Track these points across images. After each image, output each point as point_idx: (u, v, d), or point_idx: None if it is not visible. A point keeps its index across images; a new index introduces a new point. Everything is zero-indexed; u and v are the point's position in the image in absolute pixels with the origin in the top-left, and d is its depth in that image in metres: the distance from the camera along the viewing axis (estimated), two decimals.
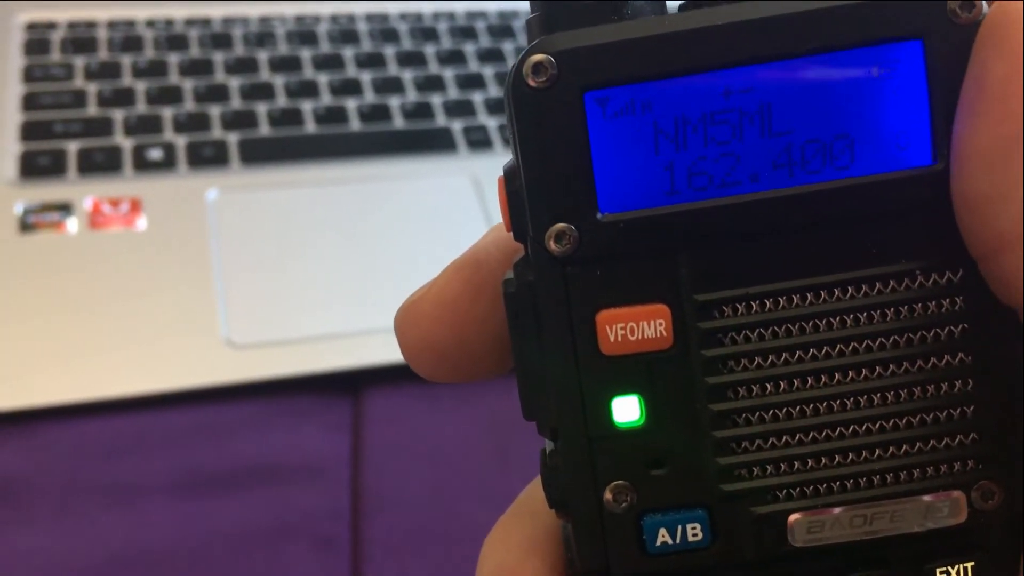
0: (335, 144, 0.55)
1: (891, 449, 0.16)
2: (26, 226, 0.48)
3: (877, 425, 0.16)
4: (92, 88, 0.55)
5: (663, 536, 0.16)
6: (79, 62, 0.57)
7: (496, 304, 0.17)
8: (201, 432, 0.43)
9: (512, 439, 0.44)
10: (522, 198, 0.16)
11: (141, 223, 0.49)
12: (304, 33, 0.62)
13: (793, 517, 0.16)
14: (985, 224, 0.15)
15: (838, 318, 0.16)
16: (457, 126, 0.57)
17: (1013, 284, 0.15)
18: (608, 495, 0.17)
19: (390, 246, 0.50)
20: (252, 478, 0.42)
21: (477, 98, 0.59)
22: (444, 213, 0.52)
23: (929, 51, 0.15)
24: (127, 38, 0.59)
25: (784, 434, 0.16)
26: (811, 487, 0.16)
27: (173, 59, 0.58)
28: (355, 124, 0.56)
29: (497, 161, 0.55)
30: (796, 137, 0.16)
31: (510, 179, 0.17)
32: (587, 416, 0.16)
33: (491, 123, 0.58)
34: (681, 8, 0.16)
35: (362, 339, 0.46)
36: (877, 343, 0.16)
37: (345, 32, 0.62)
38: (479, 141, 0.57)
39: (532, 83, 0.16)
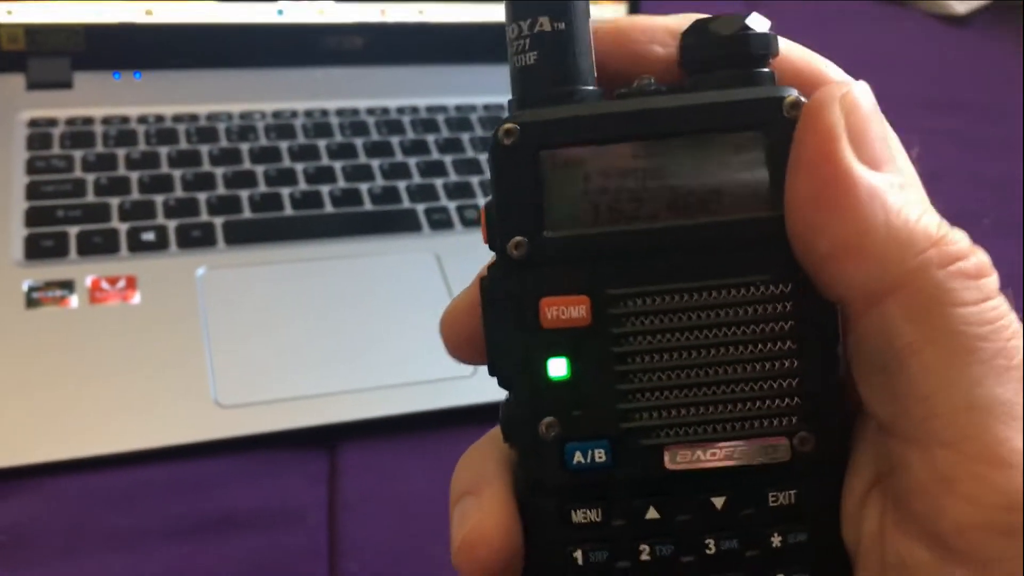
0: (311, 225, 0.58)
1: (739, 405, 0.22)
2: (32, 302, 0.50)
3: (730, 387, 0.22)
4: (90, 178, 0.58)
5: (578, 457, 0.22)
6: (78, 155, 0.60)
7: None
8: (194, 483, 0.45)
9: None
10: (494, 220, 0.22)
11: (136, 298, 0.51)
12: (282, 127, 0.65)
13: (667, 449, 0.22)
14: (811, 246, 0.21)
15: (707, 312, 0.22)
16: (421, 208, 0.61)
17: (832, 284, 0.21)
18: (542, 428, 0.22)
19: (361, 316, 0.53)
20: (239, 525, 0.44)
21: (438, 183, 0.63)
22: (409, 286, 0.55)
23: (769, 135, 0.21)
24: (121, 132, 0.62)
25: (665, 389, 0.22)
26: (682, 428, 0.22)
27: (163, 151, 0.61)
28: (329, 207, 0.60)
29: (457, 239, 0.59)
30: (682, 188, 0.22)
31: (488, 208, 0.23)
32: (531, 372, 0.22)
33: (451, 205, 0.61)
34: (615, 97, 0.23)
35: (337, 398, 0.49)
36: (732, 330, 0.22)
37: (319, 125, 0.66)
38: (441, 221, 0.60)
39: (504, 141, 0.22)
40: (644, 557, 0.22)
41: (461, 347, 0.24)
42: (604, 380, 0.22)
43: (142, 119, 0.64)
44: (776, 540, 0.22)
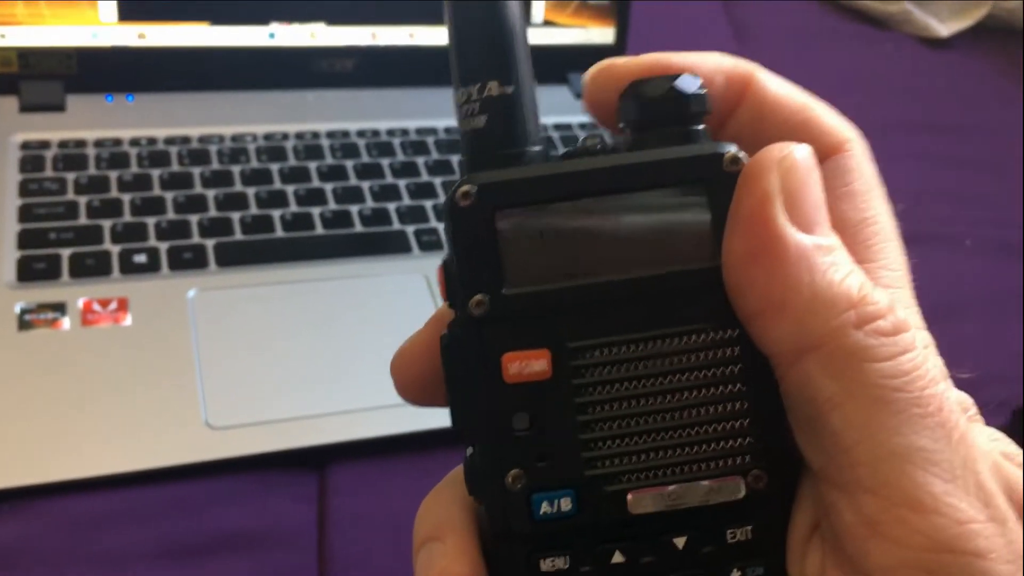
0: (302, 247, 0.59)
1: (694, 447, 0.22)
2: (24, 324, 0.51)
3: (685, 431, 0.22)
4: (83, 200, 0.59)
5: (545, 507, 0.22)
6: (70, 177, 0.60)
7: None
8: (185, 504, 0.45)
9: None
10: (454, 278, 0.23)
11: (128, 320, 0.52)
12: (273, 149, 0.66)
13: (631, 494, 0.22)
14: (743, 301, 0.22)
15: (661, 359, 0.22)
16: (410, 230, 0.62)
17: (760, 339, 0.22)
18: (509, 479, 0.22)
19: (351, 338, 0.53)
20: (230, 545, 0.45)
21: (428, 204, 0.64)
22: (399, 307, 0.56)
23: (710, 189, 0.22)
24: (113, 155, 0.62)
25: (625, 437, 0.22)
26: (643, 473, 0.22)
27: (155, 173, 0.62)
28: (319, 229, 0.60)
29: None
30: (633, 242, 0.23)
31: (447, 266, 0.23)
32: (496, 426, 0.22)
33: (441, 227, 0.62)
34: (561, 157, 0.23)
35: (326, 419, 0.49)
36: (684, 376, 0.22)
37: (309, 148, 0.67)
38: (430, 243, 0.61)
39: (461, 203, 0.22)
40: None
41: (411, 389, 0.25)
42: (567, 430, 0.22)
43: (134, 142, 0.65)
44: (736, 575, 0.23)
